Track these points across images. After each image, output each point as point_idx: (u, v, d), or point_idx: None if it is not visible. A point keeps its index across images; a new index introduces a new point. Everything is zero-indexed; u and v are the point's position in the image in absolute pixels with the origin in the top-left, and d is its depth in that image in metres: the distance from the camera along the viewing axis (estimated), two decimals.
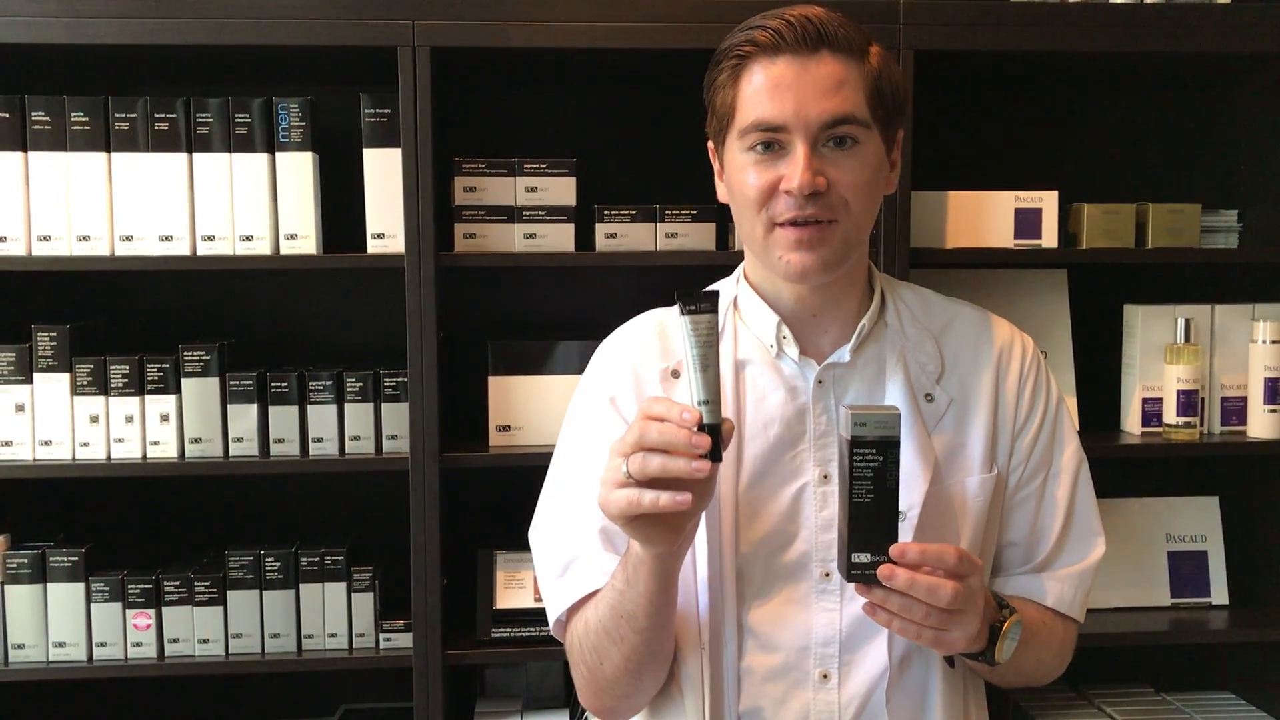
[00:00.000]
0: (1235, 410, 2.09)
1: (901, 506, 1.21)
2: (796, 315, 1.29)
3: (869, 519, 1.11)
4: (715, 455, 1.07)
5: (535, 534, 1.35)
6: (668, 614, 1.20)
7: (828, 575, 1.25)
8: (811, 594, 1.25)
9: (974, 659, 1.21)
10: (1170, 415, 2.04)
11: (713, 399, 1.09)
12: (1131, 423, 2.11)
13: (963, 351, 1.32)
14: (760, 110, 1.19)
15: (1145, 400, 2.08)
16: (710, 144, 1.31)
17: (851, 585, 1.14)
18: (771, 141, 1.20)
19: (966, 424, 1.29)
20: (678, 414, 1.07)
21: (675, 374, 1.30)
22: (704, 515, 1.22)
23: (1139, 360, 2.09)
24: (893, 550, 1.10)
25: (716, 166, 1.31)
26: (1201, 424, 2.05)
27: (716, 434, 1.08)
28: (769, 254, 1.23)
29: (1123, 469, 2.21)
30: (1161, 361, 2.06)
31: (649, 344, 1.34)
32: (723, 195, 1.31)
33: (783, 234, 1.21)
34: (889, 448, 1.11)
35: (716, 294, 1.12)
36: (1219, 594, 2.13)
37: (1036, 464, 1.31)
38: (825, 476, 1.26)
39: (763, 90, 1.19)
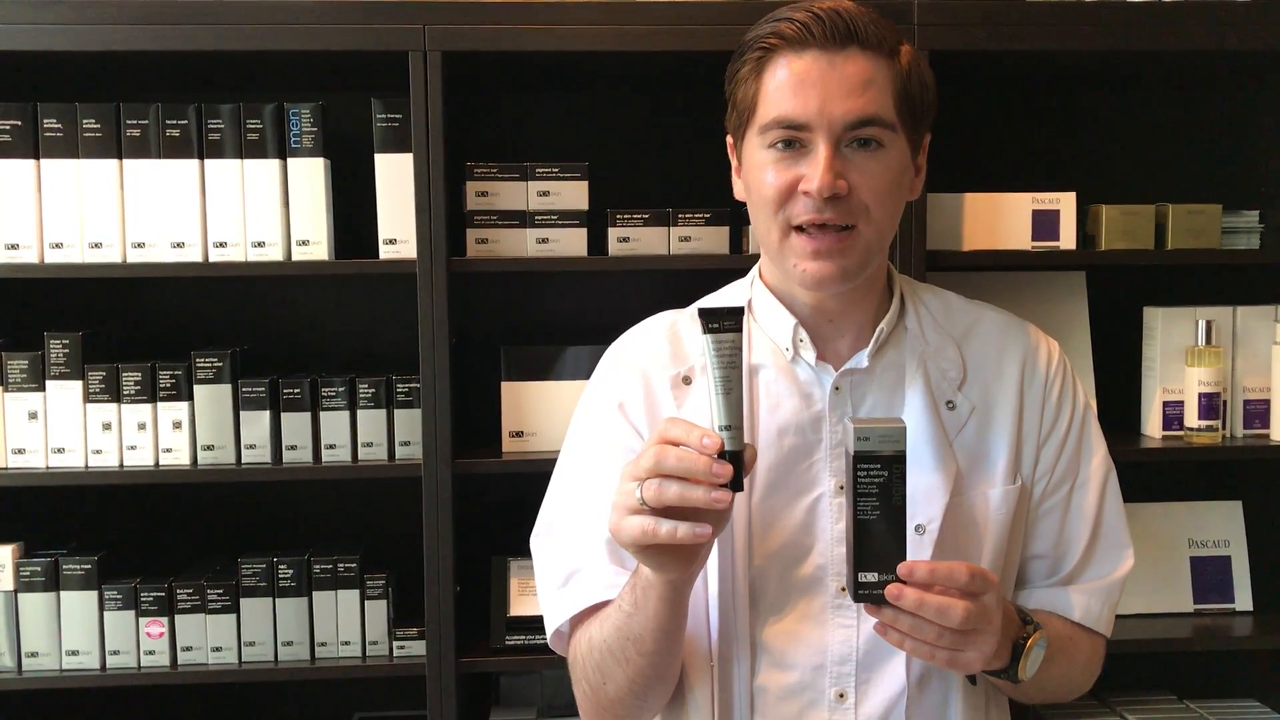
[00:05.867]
0: (1258, 413, 2.06)
1: (921, 520, 1.19)
2: (813, 318, 1.25)
3: (875, 537, 1.07)
4: (736, 485, 1.02)
5: (537, 541, 1.30)
6: (677, 638, 1.16)
7: (844, 590, 1.20)
8: (827, 610, 1.21)
9: (997, 676, 1.18)
10: (1191, 419, 2.01)
11: (735, 424, 1.04)
12: (1152, 426, 2.08)
13: (986, 357, 1.28)
14: (783, 107, 1.15)
15: (1166, 403, 2.06)
16: (729, 139, 1.27)
17: (863, 606, 1.10)
18: (793, 139, 1.15)
19: (989, 433, 1.25)
20: (698, 439, 1.02)
21: (686, 380, 1.26)
22: None
23: (1159, 363, 2.06)
24: (900, 569, 1.06)
25: (735, 163, 1.26)
26: (1223, 427, 2.03)
27: (738, 462, 1.03)
28: (784, 259, 1.19)
29: (1143, 473, 2.18)
30: (1182, 364, 2.04)
31: (659, 348, 1.29)
32: (739, 193, 1.26)
33: (800, 242, 1.16)
34: (895, 463, 1.07)
35: (741, 311, 1.07)
36: (1243, 600, 2.10)
37: (1063, 473, 1.28)
38: (841, 487, 1.21)
39: (786, 86, 1.15)
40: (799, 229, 1.17)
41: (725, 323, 1.05)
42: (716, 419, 1.05)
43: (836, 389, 1.24)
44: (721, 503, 1.01)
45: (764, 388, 1.25)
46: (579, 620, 1.24)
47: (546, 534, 1.30)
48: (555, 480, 1.32)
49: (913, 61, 1.19)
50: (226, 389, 1.90)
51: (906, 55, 1.18)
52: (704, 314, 1.06)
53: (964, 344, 1.28)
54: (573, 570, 1.24)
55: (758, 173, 1.18)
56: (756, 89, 1.18)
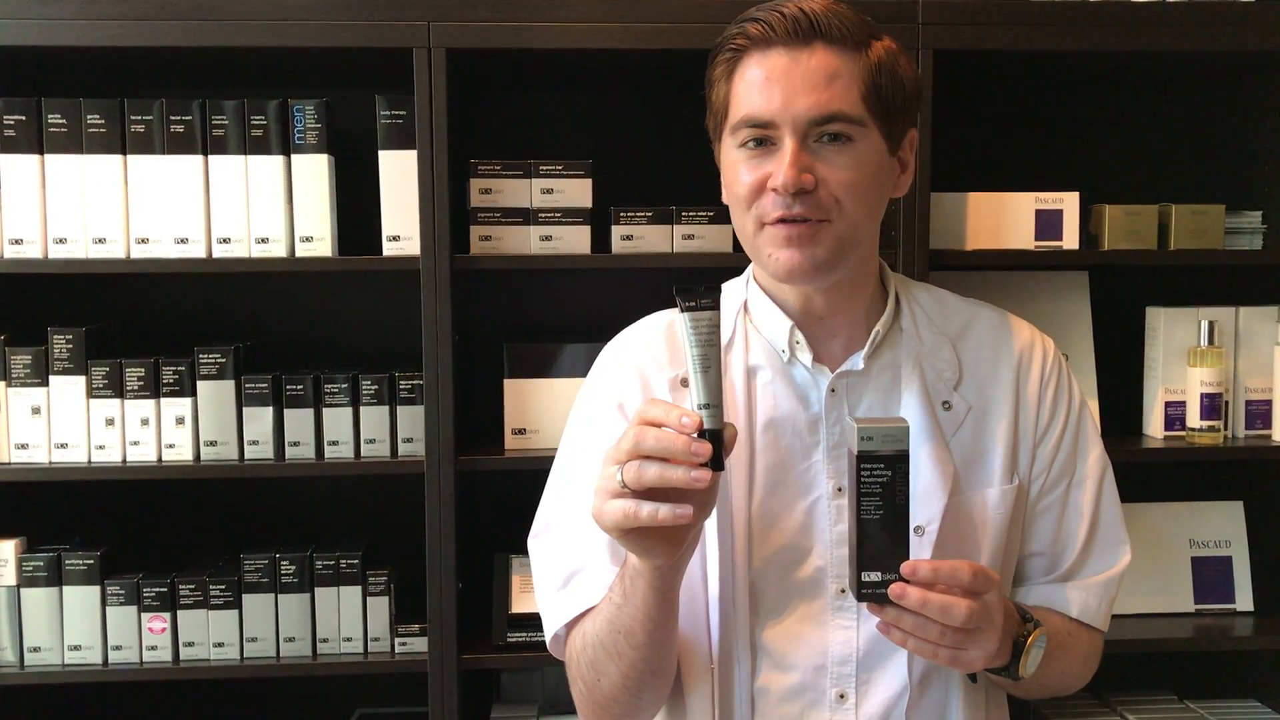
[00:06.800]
0: (1260, 414, 2.06)
1: (920, 521, 1.18)
2: (803, 318, 1.25)
3: (878, 536, 1.07)
4: (717, 464, 1.02)
5: (535, 542, 1.30)
6: (667, 630, 1.16)
7: (843, 592, 1.21)
8: (827, 611, 1.22)
9: (997, 674, 1.18)
10: (1193, 419, 2.01)
11: (714, 403, 1.03)
12: (1154, 427, 2.08)
13: (981, 356, 1.28)
14: (750, 106, 1.16)
15: (1168, 404, 2.06)
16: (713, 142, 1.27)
17: (866, 605, 1.10)
18: (762, 138, 1.16)
19: (986, 432, 1.25)
20: (676, 418, 1.02)
21: (685, 383, 1.25)
22: (716, 529, 1.19)
23: (1161, 363, 2.06)
24: (904, 568, 1.06)
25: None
26: (1225, 428, 2.03)
27: (718, 441, 1.02)
28: (759, 253, 1.20)
29: (1145, 473, 2.18)
30: (1184, 364, 2.04)
31: (657, 349, 1.29)
32: (725, 195, 1.27)
33: (772, 231, 1.17)
34: (898, 462, 1.07)
35: (718, 288, 1.06)
36: (1243, 600, 2.10)
37: (1059, 471, 1.28)
38: (840, 489, 1.22)
39: (753, 85, 1.16)
40: (771, 223, 1.17)
41: (702, 300, 1.04)
42: (695, 398, 1.04)
43: (833, 391, 1.24)
44: (701, 482, 1.00)
45: (761, 389, 1.25)
46: (575, 621, 1.24)
47: (545, 534, 1.29)
48: (553, 480, 1.32)
49: (885, 55, 1.18)
50: (229, 385, 1.90)
51: (878, 49, 1.18)
52: (680, 291, 1.05)
53: (959, 343, 1.28)
54: (573, 571, 1.24)
55: (732, 172, 1.20)
56: (727, 90, 1.19)
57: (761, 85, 1.15)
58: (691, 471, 1.00)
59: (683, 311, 1.05)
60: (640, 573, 1.10)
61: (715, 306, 1.05)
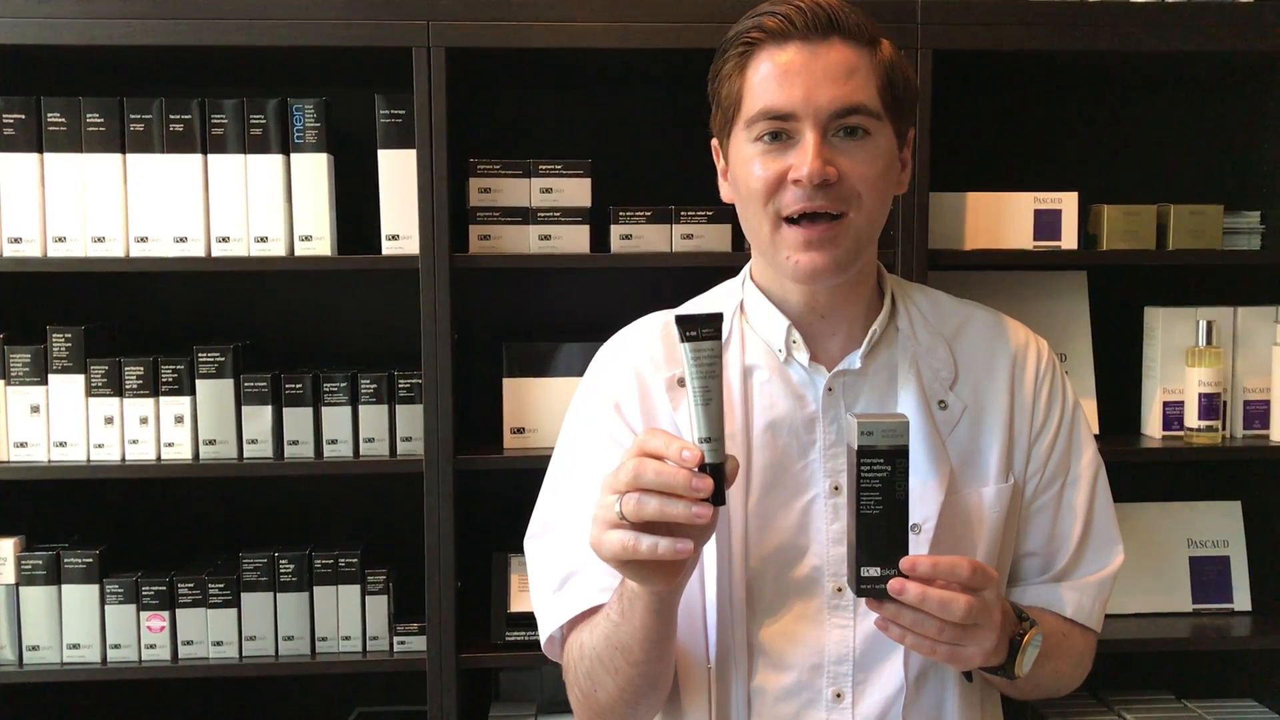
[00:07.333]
0: (1258, 414, 2.06)
1: (916, 519, 1.18)
2: (804, 317, 1.25)
3: (878, 531, 1.07)
4: (718, 499, 1.01)
5: (532, 543, 1.30)
6: (665, 647, 1.16)
7: (840, 590, 1.21)
8: (824, 610, 1.22)
9: (993, 673, 1.18)
10: (1191, 419, 2.01)
11: (716, 436, 1.02)
12: (1152, 426, 2.08)
13: (977, 356, 1.28)
14: (768, 98, 1.16)
15: (1166, 404, 2.06)
16: (714, 141, 1.27)
17: (865, 601, 1.10)
18: (780, 131, 1.16)
19: (981, 431, 1.25)
20: (677, 452, 1.01)
21: (681, 383, 1.25)
22: None
23: (1160, 363, 2.07)
24: (903, 563, 1.06)
25: (720, 165, 1.27)
26: (1223, 428, 2.03)
27: (720, 475, 1.01)
28: (776, 253, 1.19)
29: (1143, 473, 2.19)
30: (1183, 364, 2.04)
31: (654, 349, 1.29)
32: (726, 194, 1.27)
33: (791, 233, 1.17)
34: (897, 457, 1.06)
35: (720, 317, 1.05)
36: (1241, 600, 2.11)
37: (1054, 471, 1.28)
38: (836, 488, 1.22)
39: (771, 78, 1.16)
40: (790, 221, 1.17)
41: (703, 330, 1.03)
42: (696, 431, 1.03)
43: (829, 390, 1.24)
44: (702, 518, 0.99)
45: (758, 389, 1.25)
46: (573, 624, 1.24)
47: (542, 534, 1.29)
48: (550, 481, 1.32)
49: (893, 53, 1.20)
50: (229, 384, 1.90)
51: (887, 47, 1.20)
52: (681, 321, 1.04)
53: (955, 343, 1.29)
54: (569, 572, 1.24)
55: (745, 167, 1.19)
56: (741, 84, 1.19)
57: (780, 78, 1.15)
58: (693, 507, 0.99)
59: (683, 341, 1.04)
60: (638, 595, 1.10)
61: (717, 336, 1.04)
